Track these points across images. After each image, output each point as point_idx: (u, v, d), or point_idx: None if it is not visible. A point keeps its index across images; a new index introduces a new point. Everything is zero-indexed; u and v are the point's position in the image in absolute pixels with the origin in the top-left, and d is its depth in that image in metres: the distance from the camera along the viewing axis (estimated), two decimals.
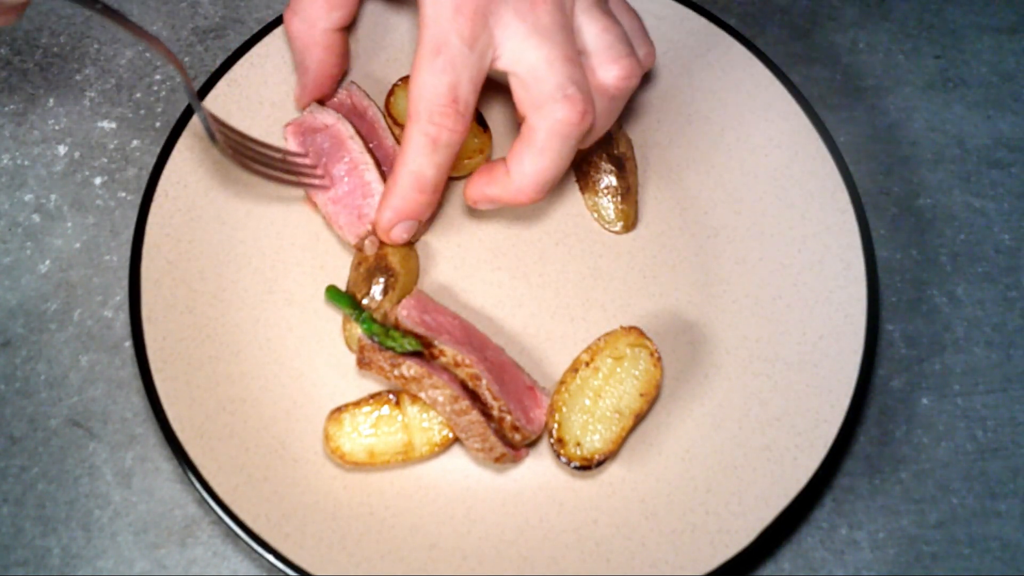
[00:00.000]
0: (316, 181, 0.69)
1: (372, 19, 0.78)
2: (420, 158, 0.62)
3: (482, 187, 0.65)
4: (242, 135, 0.67)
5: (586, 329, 0.68)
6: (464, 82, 0.60)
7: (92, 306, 0.71)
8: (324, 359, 0.68)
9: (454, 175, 0.73)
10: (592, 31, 0.62)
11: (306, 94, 0.71)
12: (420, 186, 0.64)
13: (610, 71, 0.62)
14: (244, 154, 0.66)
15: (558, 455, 0.63)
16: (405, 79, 0.74)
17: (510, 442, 0.62)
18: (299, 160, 0.70)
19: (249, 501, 0.61)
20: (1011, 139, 0.78)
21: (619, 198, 0.71)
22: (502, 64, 0.61)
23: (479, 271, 0.71)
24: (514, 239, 0.72)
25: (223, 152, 0.65)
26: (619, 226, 0.71)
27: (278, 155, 0.69)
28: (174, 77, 0.80)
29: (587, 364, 0.64)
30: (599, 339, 0.65)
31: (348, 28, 0.71)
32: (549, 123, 0.60)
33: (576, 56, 0.61)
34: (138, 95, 0.80)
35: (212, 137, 0.64)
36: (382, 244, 0.68)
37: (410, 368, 0.62)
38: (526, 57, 0.60)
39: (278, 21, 0.76)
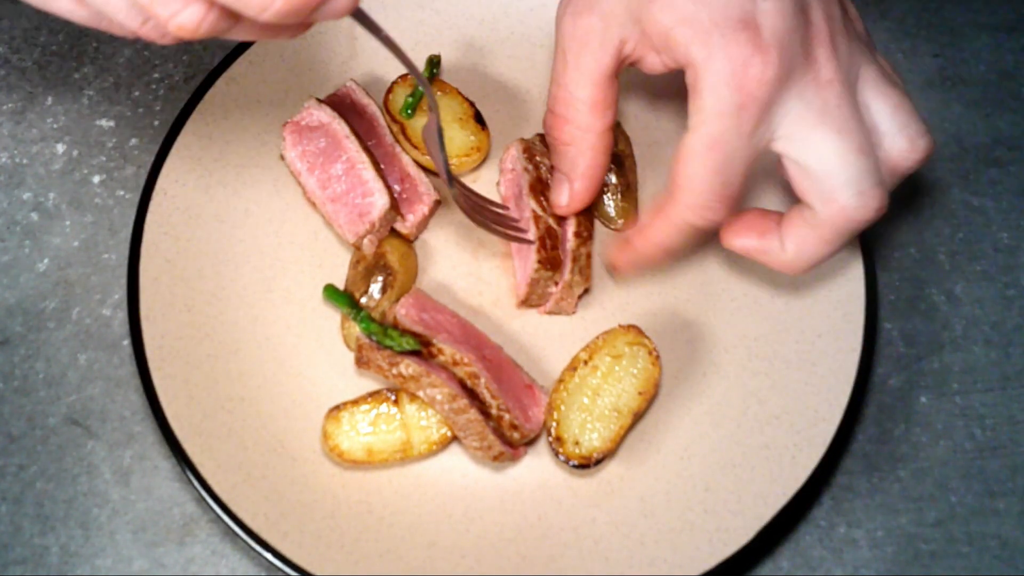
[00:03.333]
0: (524, 236, 0.67)
1: (372, 17, 0.77)
2: (673, 235, 0.61)
3: (748, 241, 0.62)
4: (474, 195, 0.67)
5: (584, 327, 0.68)
6: (736, 177, 0.57)
7: (91, 304, 0.71)
8: (322, 357, 0.68)
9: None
10: (884, 108, 0.58)
11: (577, 202, 0.65)
12: (664, 253, 0.63)
13: (908, 152, 0.59)
14: (475, 209, 0.66)
15: (556, 453, 0.63)
16: (404, 77, 0.74)
17: (508, 441, 0.62)
18: (509, 215, 0.69)
19: (247, 499, 0.61)
20: (1009, 137, 0.78)
21: (619, 195, 0.71)
22: (780, 147, 0.58)
23: (478, 270, 0.71)
24: None
25: (456, 199, 0.65)
26: (620, 223, 0.71)
27: (500, 212, 0.69)
28: (172, 75, 0.80)
29: (586, 362, 0.64)
30: (598, 337, 0.65)
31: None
32: (841, 219, 0.57)
33: (870, 144, 0.57)
34: (136, 93, 0.79)
35: (451, 182, 0.63)
36: (380, 243, 0.68)
37: (408, 367, 0.62)
38: (815, 148, 0.56)
39: None
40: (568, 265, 0.66)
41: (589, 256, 0.68)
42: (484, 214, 0.67)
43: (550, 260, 0.66)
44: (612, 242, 0.67)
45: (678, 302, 0.70)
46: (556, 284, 0.67)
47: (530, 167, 0.68)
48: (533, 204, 0.67)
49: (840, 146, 0.56)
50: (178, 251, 0.69)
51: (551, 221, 0.67)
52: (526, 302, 0.68)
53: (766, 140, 0.57)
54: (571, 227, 0.67)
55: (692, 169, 0.57)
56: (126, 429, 0.68)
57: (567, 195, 0.65)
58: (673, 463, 0.64)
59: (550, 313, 0.69)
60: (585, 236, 0.68)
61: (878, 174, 0.57)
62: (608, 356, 0.64)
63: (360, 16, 0.49)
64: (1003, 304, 0.72)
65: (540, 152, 0.69)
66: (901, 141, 0.59)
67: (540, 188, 0.67)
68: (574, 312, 0.69)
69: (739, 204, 0.60)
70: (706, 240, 0.67)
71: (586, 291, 0.69)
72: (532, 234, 0.67)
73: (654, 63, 0.60)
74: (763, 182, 0.71)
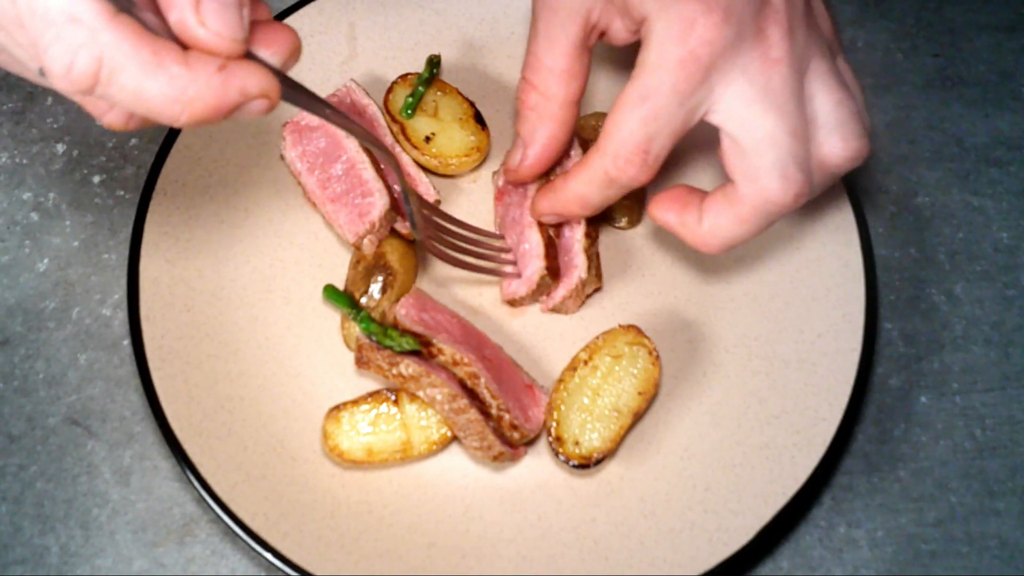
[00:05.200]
0: (508, 269, 0.68)
1: (372, 18, 0.78)
2: (592, 186, 0.61)
3: (669, 215, 0.62)
4: (443, 217, 0.67)
5: (584, 327, 0.68)
6: (662, 136, 0.57)
7: (91, 304, 0.71)
8: (322, 357, 0.68)
9: (447, 174, 0.73)
10: (827, 102, 0.58)
11: (527, 168, 0.65)
12: (582, 205, 0.63)
13: (840, 150, 0.59)
14: (443, 241, 0.66)
15: (557, 454, 0.63)
16: (404, 77, 0.74)
17: (508, 441, 0.62)
18: (495, 243, 0.69)
19: (247, 499, 0.61)
20: (1009, 137, 0.78)
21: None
22: (717, 120, 0.58)
23: None
24: None
25: (422, 244, 0.65)
26: (624, 221, 0.71)
27: (476, 236, 0.68)
28: None
29: (586, 362, 0.64)
30: (597, 337, 0.65)
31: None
32: (759, 199, 0.57)
33: (804, 131, 0.57)
34: None
35: (415, 226, 0.63)
36: (380, 243, 0.68)
37: (408, 367, 0.61)
38: (749, 123, 0.56)
39: (276, 19, 0.75)
40: (583, 264, 0.66)
41: (598, 256, 0.68)
42: (462, 250, 0.67)
43: (552, 268, 0.66)
44: (540, 189, 0.67)
45: (678, 302, 0.70)
46: (549, 293, 0.68)
47: None
48: None
49: (774, 126, 0.56)
50: (178, 251, 0.69)
51: (552, 231, 0.67)
52: (514, 303, 0.68)
53: (703, 109, 0.57)
54: (581, 228, 0.67)
55: (620, 117, 0.57)
56: (126, 429, 0.68)
57: (519, 160, 0.65)
58: (673, 463, 0.64)
59: (552, 311, 0.69)
60: (594, 236, 0.68)
61: (806, 162, 0.57)
62: (608, 356, 0.64)
63: (292, 97, 0.49)
64: (1003, 304, 0.72)
65: None
66: (835, 137, 0.59)
67: None
68: (575, 311, 0.69)
69: (659, 168, 0.59)
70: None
71: (596, 290, 0.69)
72: (535, 240, 0.67)
73: (619, 31, 0.60)
74: None
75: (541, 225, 0.67)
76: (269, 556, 0.59)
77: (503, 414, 0.62)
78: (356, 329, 0.65)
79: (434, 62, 0.74)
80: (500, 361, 0.65)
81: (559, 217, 0.66)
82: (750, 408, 0.65)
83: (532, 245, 0.67)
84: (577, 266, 0.67)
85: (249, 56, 0.46)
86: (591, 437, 0.63)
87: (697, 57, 0.55)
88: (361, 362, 0.64)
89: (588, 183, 0.61)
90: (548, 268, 0.66)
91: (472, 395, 0.62)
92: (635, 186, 0.60)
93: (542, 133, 0.63)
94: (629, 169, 0.58)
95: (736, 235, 0.59)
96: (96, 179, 0.76)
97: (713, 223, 0.59)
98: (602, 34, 0.61)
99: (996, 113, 0.79)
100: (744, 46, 0.55)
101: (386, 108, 0.73)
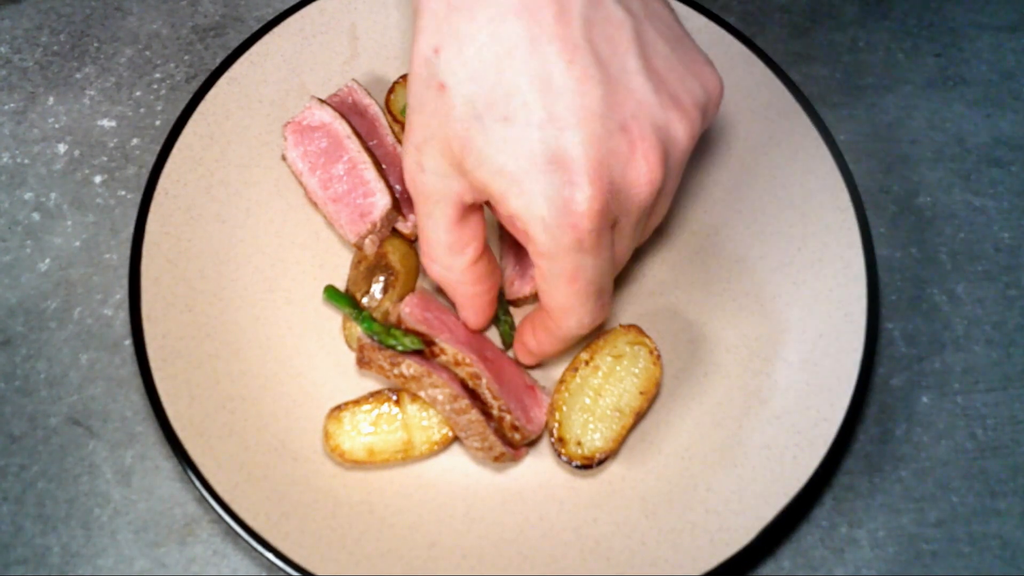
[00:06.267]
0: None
1: (374, 18, 0.78)
2: (564, 345, 0.63)
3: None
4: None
5: None
6: (606, 279, 0.57)
7: (92, 304, 0.71)
8: (324, 357, 0.68)
9: None
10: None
11: (475, 322, 0.66)
12: (555, 354, 0.65)
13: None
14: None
15: (559, 454, 0.63)
16: (405, 77, 0.74)
17: (509, 441, 0.62)
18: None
19: (249, 499, 0.61)
20: (1011, 137, 0.78)
21: None
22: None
23: None
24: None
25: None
26: None
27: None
28: (174, 75, 0.80)
29: (587, 363, 0.64)
30: (598, 337, 0.65)
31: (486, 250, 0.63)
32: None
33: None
34: (138, 93, 0.80)
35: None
36: (382, 243, 0.68)
37: (410, 367, 0.62)
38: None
39: (278, 19, 0.76)
40: None
41: None
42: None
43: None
44: (516, 338, 0.66)
45: (679, 302, 0.70)
46: None
47: None
48: None
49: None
50: (180, 251, 0.69)
51: None
52: (518, 303, 0.69)
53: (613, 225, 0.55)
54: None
55: (565, 302, 0.57)
56: (127, 429, 0.68)
57: (468, 320, 0.65)
58: (675, 463, 0.64)
59: None
60: None
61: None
62: (609, 356, 0.64)
63: None
64: (1005, 304, 0.72)
65: None
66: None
67: None
68: None
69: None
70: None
71: None
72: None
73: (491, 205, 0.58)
74: (759, 182, 0.72)
75: None
76: (270, 556, 0.59)
77: (504, 415, 0.62)
78: (357, 329, 0.65)
79: None
80: (502, 362, 0.65)
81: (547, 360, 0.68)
82: (751, 408, 0.65)
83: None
84: None
85: None
86: (593, 437, 0.63)
87: (591, 231, 0.52)
88: (363, 362, 0.64)
89: (562, 346, 0.62)
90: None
91: (473, 396, 0.62)
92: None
93: (462, 296, 0.63)
94: (599, 322, 0.60)
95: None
96: (98, 179, 0.76)
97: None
98: (487, 203, 0.58)
99: (997, 113, 0.79)
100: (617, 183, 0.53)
101: (387, 108, 0.73)
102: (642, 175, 0.53)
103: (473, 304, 0.64)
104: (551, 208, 0.51)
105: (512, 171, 0.52)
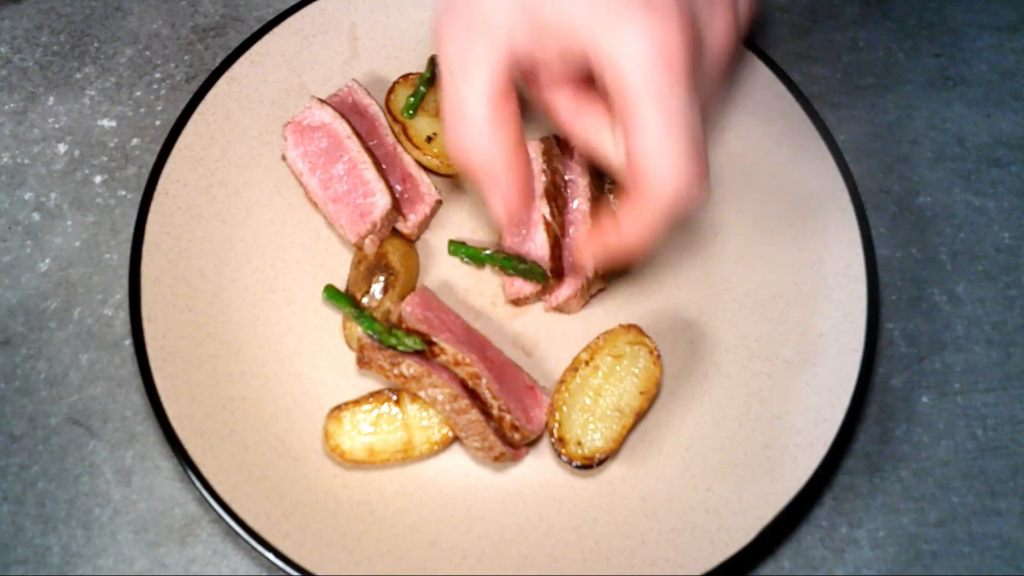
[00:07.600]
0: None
1: (374, 18, 0.78)
2: (657, 232, 0.58)
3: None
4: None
5: (585, 328, 0.68)
6: (701, 131, 0.55)
7: (92, 304, 0.71)
8: (324, 357, 0.68)
9: (449, 174, 0.73)
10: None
11: (517, 205, 0.61)
12: (643, 247, 0.61)
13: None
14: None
15: (559, 454, 0.63)
16: (406, 77, 0.74)
17: (509, 441, 0.62)
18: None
19: (249, 499, 0.61)
20: (1011, 137, 0.78)
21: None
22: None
23: (479, 270, 0.71)
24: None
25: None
26: None
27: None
28: (174, 75, 0.80)
29: (587, 363, 0.64)
30: (598, 337, 0.65)
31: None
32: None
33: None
34: (138, 93, 0.80)
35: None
36: (382, 243, 0.68)
37: (410, 367, 0.61)
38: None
39: (278, 19, 0.76)
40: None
41: None
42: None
43: (557, 268, 0.66)
44: (583, 244, 0.64)
45: (679, 302, 0.69)
46: (553, 292, 0.68)
47: (547, 170, 0.68)
48: (545, 209, 0.67)
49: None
50: (180, 251, 0.69)
51: (558, 231, 0.67)
52: (518, 303, 0.69)
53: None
54: (587, 228, 0.67)
55: (662, 150, 0.53)
56: (128, 429, 0.68)
57: (498, 214, 0.61)
58: (675, 463, 0.64)
59: (555, 310, 0.69)
60: None
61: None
62: (609, 356, 0.64)
63: None
64: (1005, 304, 0.72)
65: (558, 156, 0.69)
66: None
67: (554, 193, 0.67)
68: (578, 311, 0.69)
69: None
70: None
71: (600, 290, 0.69)
72: (541, 239, 0.67)
73: (550, 64, 0.57)
74: (768, 184, 0.72)
75: (547, 224, 0.67)
76: (271, 556, 0.59)
77: (504, 415, 0.62)
78: (357, 329, 0.65)
79: (436, 62, 0.74)
80: (501, 362, 0.65)
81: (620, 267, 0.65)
82: (752, 408, 0.65)
83: (538, 245, 0.67)
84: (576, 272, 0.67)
85: None
86: (593, 437, 0.63)
87: (683, 70, 0.53)
88: (363, 362, 0.64)
89: (655, 232, 0.57)
90: (553, 268, 0.66)
91: (473, 395, 0.62)
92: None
93: (505, 184, 0.59)
94: (701, 194, 0.55)
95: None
96: (98, 179, 0.76)
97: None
98: (525, 71, 0.56)
99: (998, 113, 0.79)
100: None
101: (388, 108, 0.73)
102: (721, 22, 0.59)
103: (513, 184, 0.59)
104: (645, 45, 0.52)
105: (603, 10, 0.53)
